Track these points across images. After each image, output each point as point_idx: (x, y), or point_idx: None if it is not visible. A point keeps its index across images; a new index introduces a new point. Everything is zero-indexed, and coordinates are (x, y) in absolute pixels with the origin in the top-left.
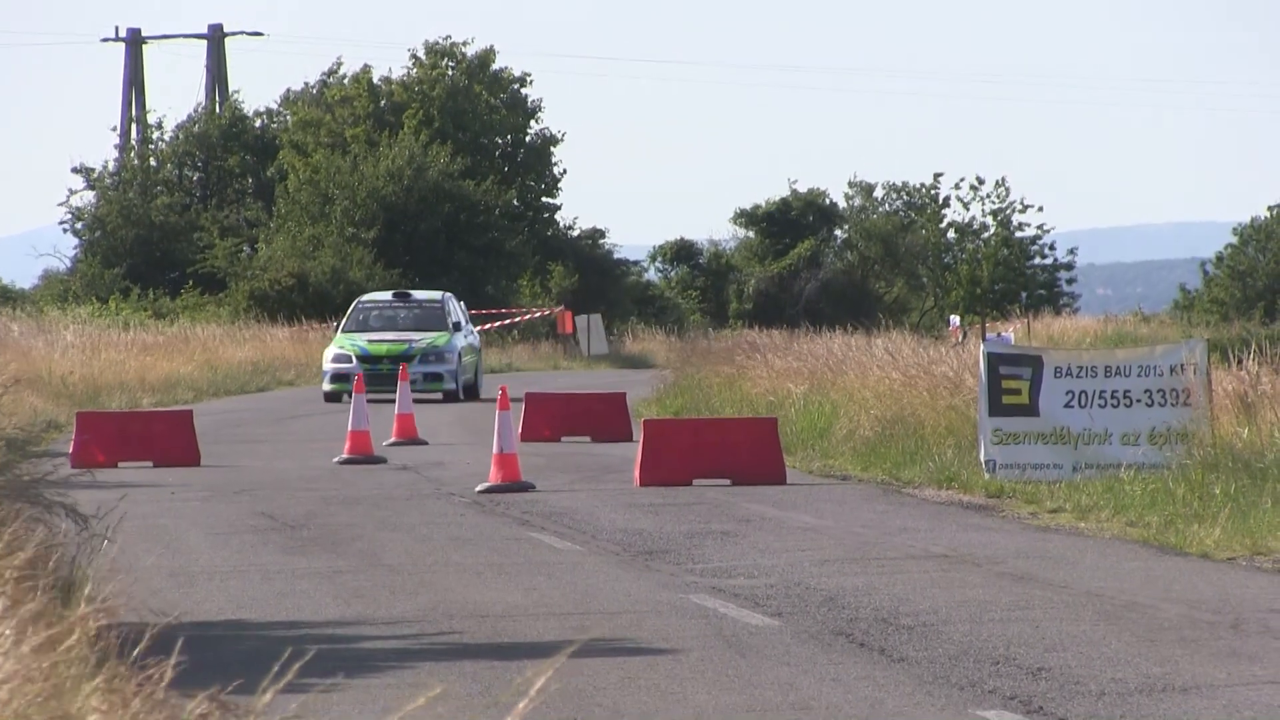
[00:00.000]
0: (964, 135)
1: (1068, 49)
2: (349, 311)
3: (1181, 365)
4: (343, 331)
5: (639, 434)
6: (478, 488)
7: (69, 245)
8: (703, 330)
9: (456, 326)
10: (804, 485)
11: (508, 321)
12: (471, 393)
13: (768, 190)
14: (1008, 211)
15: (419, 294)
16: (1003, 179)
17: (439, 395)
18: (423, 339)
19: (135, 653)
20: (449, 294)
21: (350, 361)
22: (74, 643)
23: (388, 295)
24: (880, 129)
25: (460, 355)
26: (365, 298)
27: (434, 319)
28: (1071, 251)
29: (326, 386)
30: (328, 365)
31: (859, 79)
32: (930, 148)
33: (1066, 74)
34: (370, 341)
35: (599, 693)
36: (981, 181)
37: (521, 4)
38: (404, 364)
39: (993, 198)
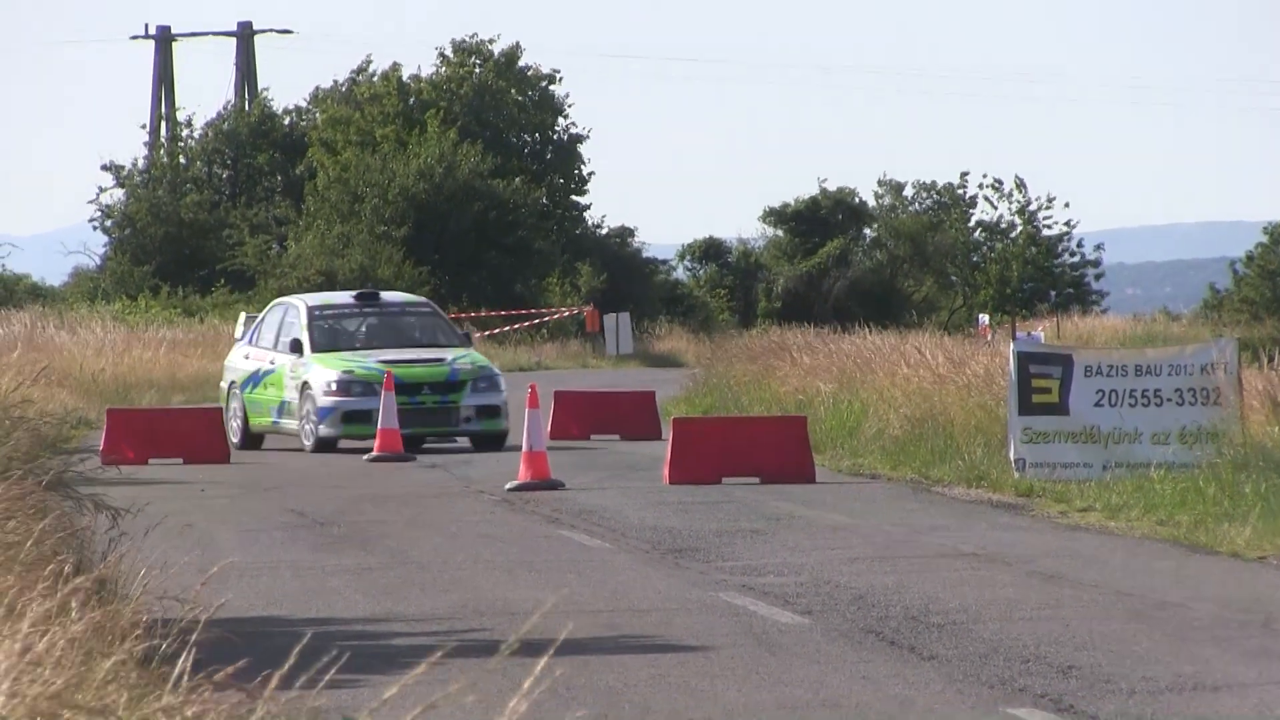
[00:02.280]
0: (993, 134)
1: (1097, 49)
2: (306, 319)
3: (1212, 365)
4: (314, 351)
5: (668, 432)
6: (507, 485)
7: (99, 243)
8: (731, 329)
9: (468, 340)
10: (833, 484)
11: (536, 321)
12: (505, 437)
13: (797, 189)
14: (1033, 210)
15: (391, 296)
16: (1020, 180)
17: (496, 437)
18: (457, 358)
19: (167, 645)
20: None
21: (369, 392)
22: (109, 635)
23: (345, 297)
24: (910, 128)
25: (503, 380)
26: (312, 300)
27: (428, 329)
28: (1099, 247)
29: (326, 430)
30: (324, 397)
31: (888, 78)
32: (959, 147)
33: (1097, 74)
34: (390, 363)
35: (629, 689)
36: (1001, 183)
37: (549, 1)
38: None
39: (1014, 198)
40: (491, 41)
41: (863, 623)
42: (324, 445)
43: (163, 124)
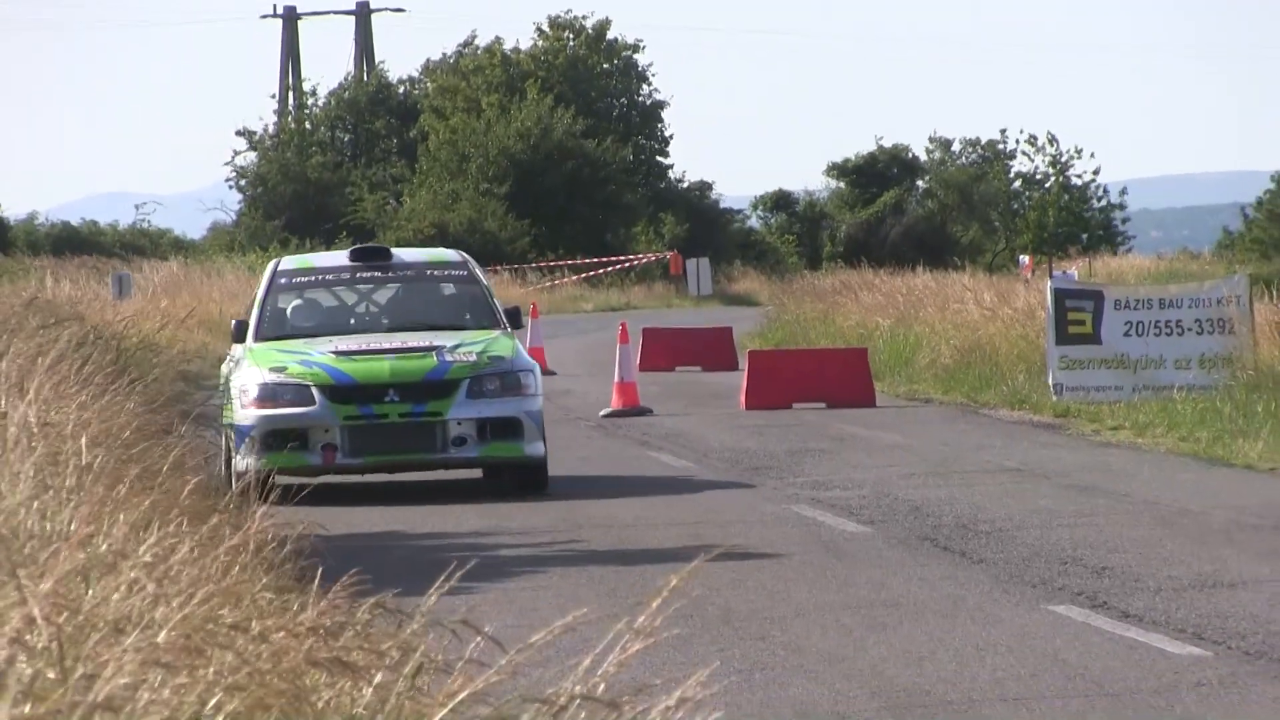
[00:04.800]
0: (1030, 93)
1: (1125, 11)
2: (263, 292)
3: (1227, 298)
4: (258, 339)
5: (744, 364)
6: (601, 413)
7: (234, 201)
8: (799, 272)
9: (514, 321)
10: (891, 408)
11: (625, 265)
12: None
13: (857, 145)
14: (1065, 161)
15: (409, 254)
16: (1051, 135)
17: (513, 466)
18: (461, 344)
19: (299, 563)
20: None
21: (305, 399)
22: (248, 553)
23: (336, 257)
24: (957, 89)
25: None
26: (287, 261)
27: (456, 304)
28: (1123, 192)
29: (241, 461)
30: (243, 411)
31: (937, 45)
32: (1000, 105)
33: (1125, 36)
34: (349, 354)
35: (713, 594)
36: (1036, 138)
37: None
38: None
39: (1048, 151)
40: (584, 17)
41: (919, 531)
42: (239, 477)
43: (290, 94)
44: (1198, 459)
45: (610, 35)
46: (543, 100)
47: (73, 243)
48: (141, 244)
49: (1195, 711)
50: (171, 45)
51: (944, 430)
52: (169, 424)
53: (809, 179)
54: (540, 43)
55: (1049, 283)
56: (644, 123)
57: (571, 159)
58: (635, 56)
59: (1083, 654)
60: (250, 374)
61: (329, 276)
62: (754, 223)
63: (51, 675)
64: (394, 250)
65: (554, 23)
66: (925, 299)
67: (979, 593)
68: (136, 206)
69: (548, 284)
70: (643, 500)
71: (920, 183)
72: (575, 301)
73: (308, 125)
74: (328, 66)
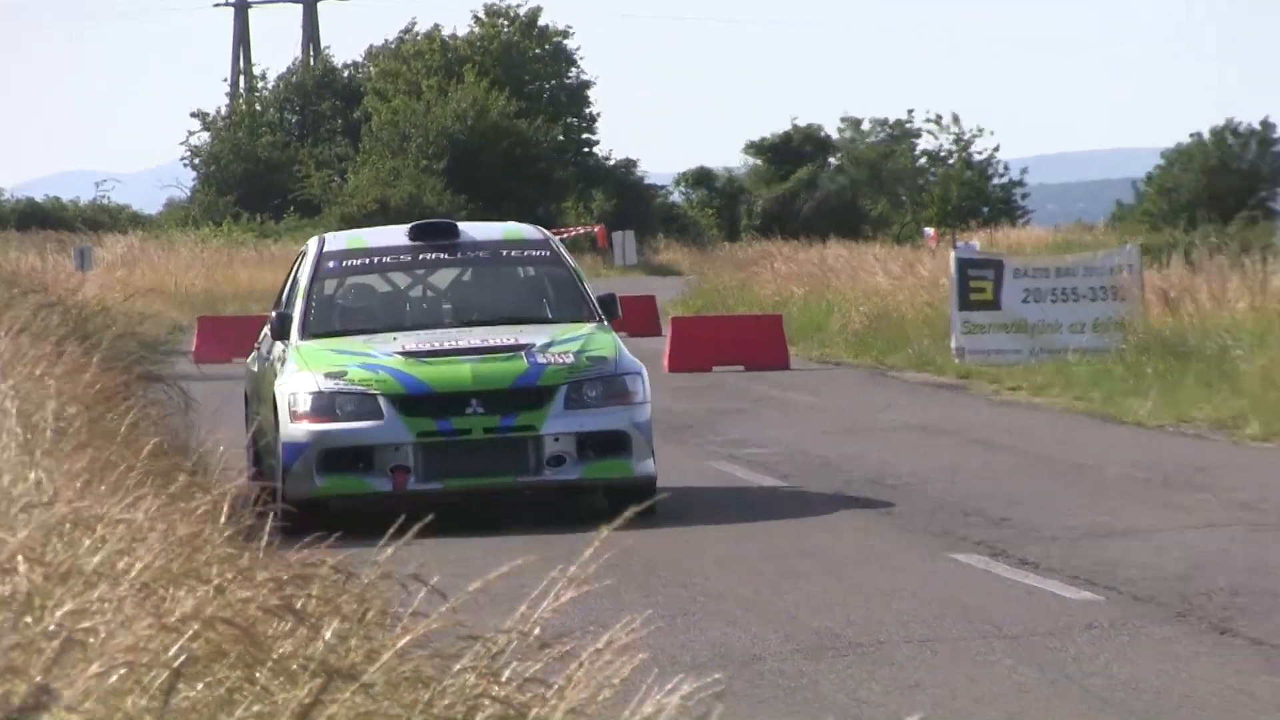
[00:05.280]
0: (938, 74)
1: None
2: (309, 277)
3: (1119, 267)
4: (305, 335)
5: (667, 329)
6: None
7: (188, 178)
8: (719, 244)
9: (609, 311)
10: (805, 370)
11: (556, 237)
12: (651, 491)
13: (773, 125)
14: (968, 139)
15: (478, 230)
16: (955, 114)
17: (621, 489)
18: (554, 341)
19: (244, 516)
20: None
21: (371, 411)
22: (213, 511)
23: (393, 234)
24: (867, 71)
25: (647, 386)
26: (333, 240)
27: (539, 291)
28: (1024, 171)
29: (295, 485)
30: (293, 425)
31: (847, 30)
32: (910, 86)
33: (1025, 22)
34: (421, 355)
35: (640, 545)
36: (940, 117)
37: None
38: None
39: (950, 130)
40: (518, 5)
41: (831, 485)
42: (304, 506)
43: (241, 78)
44: (1091, 417)
45: (541, 22)
46: (479, 83)
47: (37, 218)
48: (102, 219)
49: (1088, 652)
50: (132, 33)
51: (854, 391)
52: (128, 387)
53: (728, 157)
54: (476, 29)
55: (952, 253)
56: (572, 103)
57: (506, 138)
58: (565, 42)
59: (983, 599)
60: (301, 380)
61: (386, 259)
62: (677, 198)
63: (28, 620)
64: (460, 226)
65: (489, 10)
66: (837, 269)
67: (887, 542)
68: (97, 184)
69: None
70: None
71: (832, 160)
72: None
73: (258, 107)
74: (277, 52)
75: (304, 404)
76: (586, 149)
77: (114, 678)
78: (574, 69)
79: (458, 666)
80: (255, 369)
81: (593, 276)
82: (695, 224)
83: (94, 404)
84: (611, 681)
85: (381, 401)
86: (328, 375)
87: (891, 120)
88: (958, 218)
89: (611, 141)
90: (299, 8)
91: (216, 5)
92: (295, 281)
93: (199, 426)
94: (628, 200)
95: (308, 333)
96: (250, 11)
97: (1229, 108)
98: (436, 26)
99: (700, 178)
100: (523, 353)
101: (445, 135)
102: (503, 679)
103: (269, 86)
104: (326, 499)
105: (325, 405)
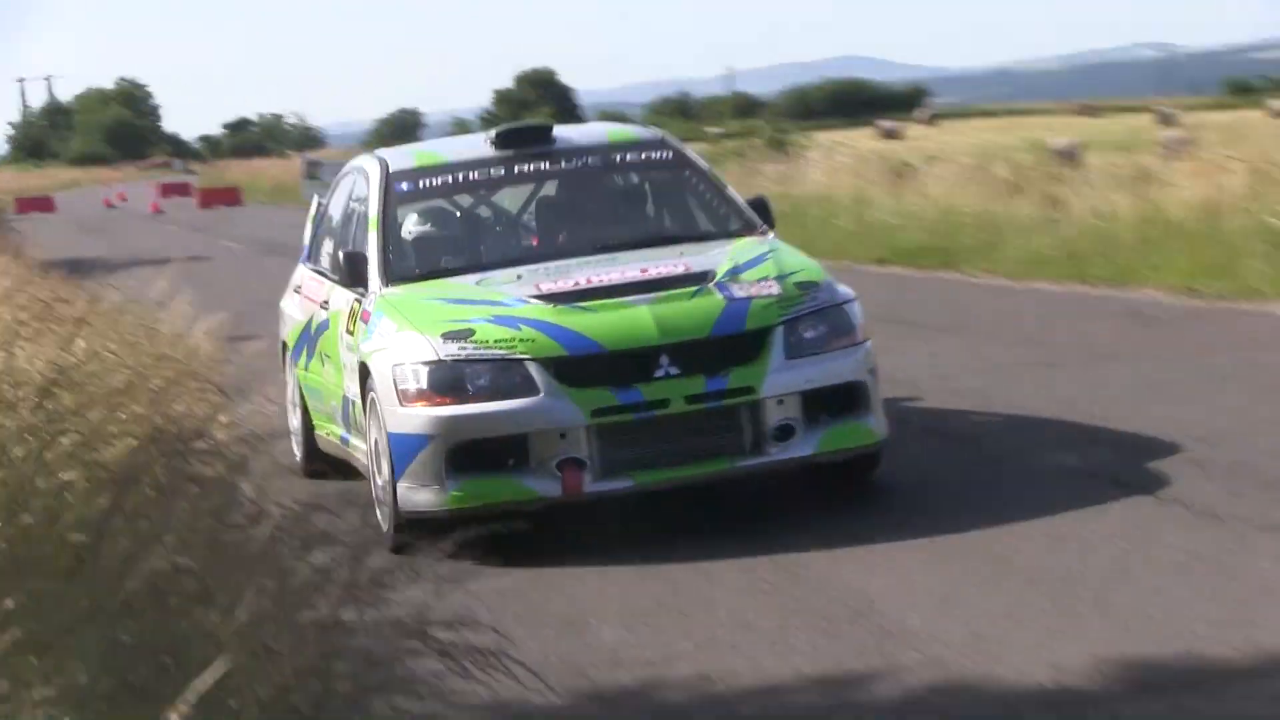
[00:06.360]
0: None
1: None
2: (378, 205)
3: None
4: (389, 281)
5: None
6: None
7: None
8: None
9: (765, 218)
10: None
11: None
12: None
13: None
14: None
15: (574, 132)
16: None
17: (858, 461)
18: (735, 265)
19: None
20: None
21: (521, 384)
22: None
23: (475, 144)
24: None
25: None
26: (397, 158)
27: (678, 202)
28: None
29: (411, 495)
30: (404, 410)
31: None
32: None
33: None
34: (565, 298)
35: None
36: None
37: None
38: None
39: None
40: None
41: None
42: (413, 527)
43: None
44: None
45: None
46: None
47: None
48: None
49: None
50: None
51: None
52: None
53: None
54: None
55: None
56: None
57: None
58: None
59: None
60: (408, 344)
61: (474, 173)
62: None
63: None
64: (556, 129)
65: None
66: None
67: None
68: None
69: None
70: None
71: None
72: None
73: None
74: None
75: (418, 379)
76: None
77: None
78: None
79: None
80: (304, 318)
81: None
82: None
83: None
84: None
85: (532, 368)
86: (446, 337)
87: None
88: None
89: None
90: None
91: None
92: (348, 214)
93: None
94: None
95: (392, 278)
96: None
97: None
98: None
99: None
100: (710, 283)
101: None
102: None
103: None
104: (463, 513)
105: (450, 379)
